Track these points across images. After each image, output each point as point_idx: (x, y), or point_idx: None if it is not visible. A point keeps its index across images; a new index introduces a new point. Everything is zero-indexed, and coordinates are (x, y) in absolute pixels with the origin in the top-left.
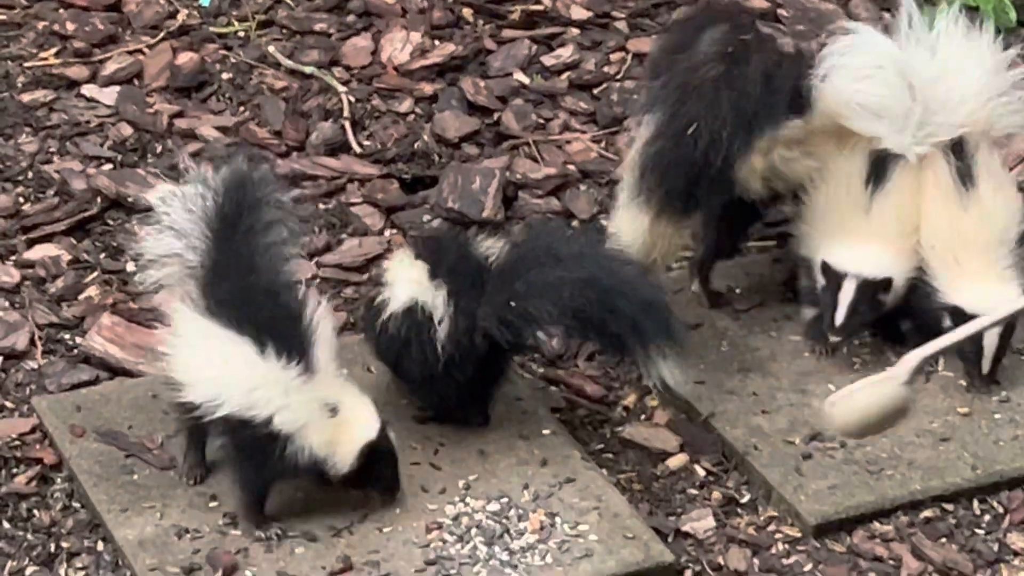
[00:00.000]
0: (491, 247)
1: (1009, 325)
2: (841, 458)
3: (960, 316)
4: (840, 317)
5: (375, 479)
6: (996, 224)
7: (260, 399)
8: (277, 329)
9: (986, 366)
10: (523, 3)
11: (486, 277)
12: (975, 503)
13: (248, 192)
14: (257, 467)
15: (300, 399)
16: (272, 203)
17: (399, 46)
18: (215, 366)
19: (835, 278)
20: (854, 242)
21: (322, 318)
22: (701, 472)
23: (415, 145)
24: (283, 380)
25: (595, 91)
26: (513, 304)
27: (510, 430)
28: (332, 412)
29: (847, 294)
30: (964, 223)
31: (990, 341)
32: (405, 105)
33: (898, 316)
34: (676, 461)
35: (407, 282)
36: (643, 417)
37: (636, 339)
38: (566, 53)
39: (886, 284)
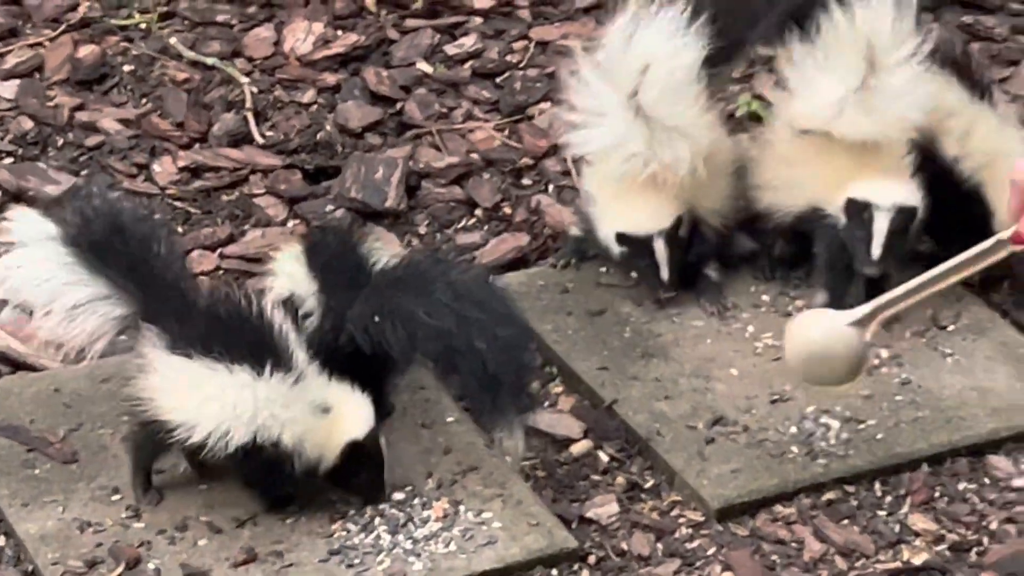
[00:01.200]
0: (380, 250)
1: (904, 223)
2: (744, 442)
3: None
4: (877, 249)
5: (357, 480)
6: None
7: (267, 421)
8: (254, 344)
9: (876, 251)
10: None
11: (364, 280)
12: (877, 485)
13: (117, 218)
14: (272, 481)
15: (299, 408)
16: (143, 219)
17: (301, 37)
18: (214, 400)
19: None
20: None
21: (280, 315)
22: (605, 458)
23: (318, 136)
24: (281, 394)
25: (498, 80)
26: (376, 320)
27: (414, 419)
28: (324, 411)
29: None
30: None
31: (880, 226)
32: (308, 96)
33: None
34: (579, 447)
35: (286, 275)
36: (547, 404)
37: (489, 403)
38: (469, 42)
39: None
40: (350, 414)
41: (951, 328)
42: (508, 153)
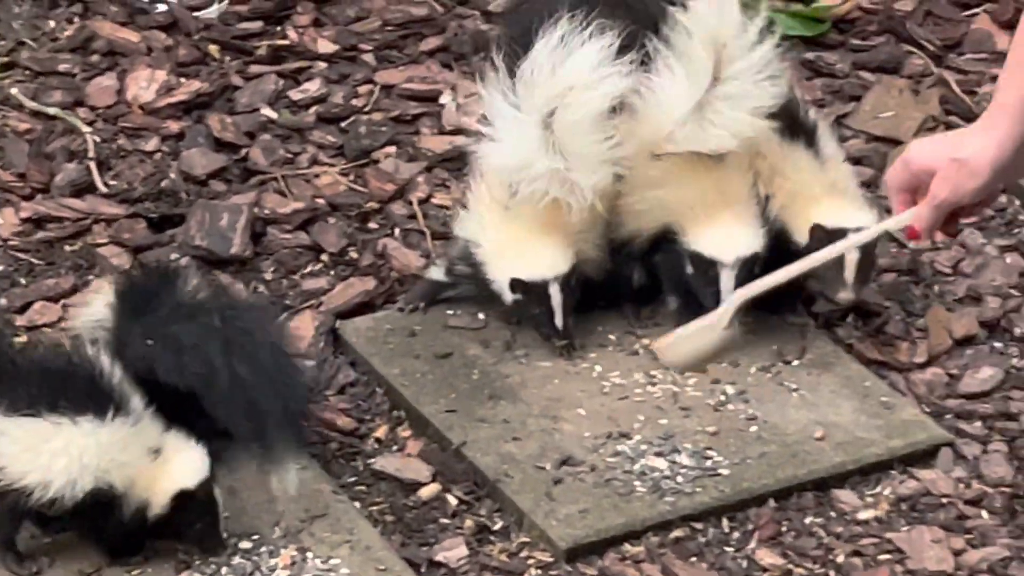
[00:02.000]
0: (196, 289)
1: (747, 272)
2: (591, 482)
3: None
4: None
5: (191, 531)
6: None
7: (110, 468)
8: (90, 393)
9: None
10: (269, 38)
11: (163, 313)
12: (724, 521)
13: None
14: (109, 531)
15: (132, 452)
16: None
17: (144, 85)
18: (62, 454)
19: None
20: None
21: (110, 361)
22: (453, 501)
23: (162, 184)
24: (120, 440)
25: (343, 124)
26: (148, 344)
27: (259, 466)
28: (155, 456)
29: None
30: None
31: (727, 281)
32: (151, 144)
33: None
34: (428, 491)
35: (92, 305)
36: (395, 448)
37: (257, 436)
38: (313, 87)
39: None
40: (182, 462)
41: (796, 363)
42: (354, 198)
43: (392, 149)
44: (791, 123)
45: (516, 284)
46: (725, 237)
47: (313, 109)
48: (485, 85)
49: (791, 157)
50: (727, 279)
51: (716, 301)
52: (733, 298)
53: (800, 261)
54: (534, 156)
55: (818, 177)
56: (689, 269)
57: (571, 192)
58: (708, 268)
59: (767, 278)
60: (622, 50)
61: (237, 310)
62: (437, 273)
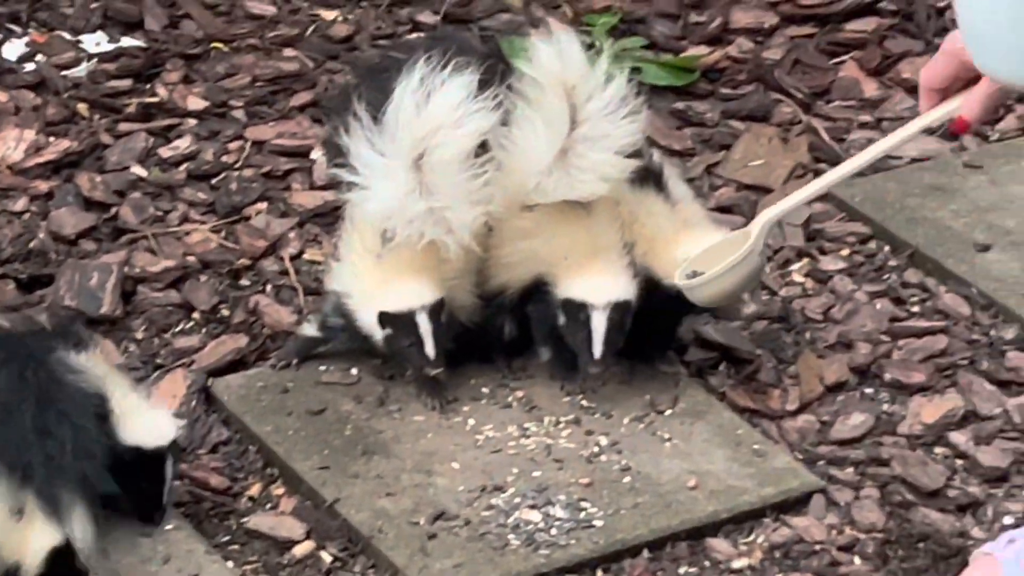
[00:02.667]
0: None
1: (619, 318)
2: (466, 536)
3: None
4: (598, 348)
5: None
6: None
7: None
8: None
9: (597, 349)
10: (139, 96)
11: None
12: (599, 573)
13: None
14: None
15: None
16: None
17: (12, 144)
18: None
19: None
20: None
21: None
22: (327, 558)
23: (31, 244)
24: None
25: (214, 181)
26: None
27: (131, 527)
28: (19, 515)
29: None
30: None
31: (598, 323)
32: (20, 204)
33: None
34: (302, 549)
35: None
36: (269, 506)
37: (51, 488)
38: (183, 144)
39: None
40: (47, 520)
41: (669, 412)
42: (225, 255)
43: (263, 205)
44: (641, 169)
45: (384, 317)
46: (597, 282)
47: (183, 166)
48: (350, 135)
49: (644, 202)
50: (599, 321)
51: (588, 347)
52: (761, 220)
53: (827, 174)
54: (407, 199)
55: (671, 219)
56: (561, 319)
57: (447, 232)
58: (579, 312)
59: (793, 196)
60: (483, 85)
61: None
62: (310, 329)
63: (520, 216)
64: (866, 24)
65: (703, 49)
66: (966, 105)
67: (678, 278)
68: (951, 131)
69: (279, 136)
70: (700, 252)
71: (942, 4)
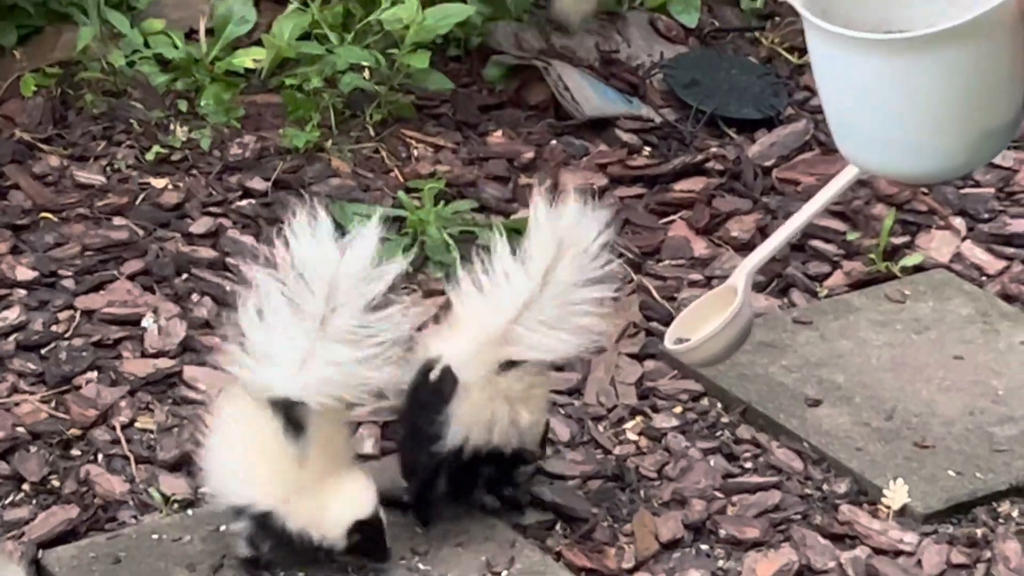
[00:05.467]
0: None
1: None
2: None
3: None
4: None
5: None
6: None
7: None
8: None
9: None
10: None
11: None
12: None
13: None
14: None
15: None
16: None
17: None
18: None
19: None
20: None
21: None
22: None
23: None
24: None
25: (43, 351)
26: None
27: None
28: None
29: None
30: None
31: None
32: None
33: None
34: None
35: None
36: None
37: None
38: (12, 315)
39: None
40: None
41: (505, 574)
42: (55, 425)
43: (94, 374)
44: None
45: (359, 526)
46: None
47: (12, 337)
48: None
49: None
50: None
51: None
52: (742, 273)
53: (794, 218)
54: (319, 363)
55: None
56: None
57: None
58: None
59: (769, 241)
60: None
61: None
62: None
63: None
64: (694, 184)
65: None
66: None
67: (668, 345)
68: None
69: (109, 304)
70: (683, 314)
71: (768, 163)
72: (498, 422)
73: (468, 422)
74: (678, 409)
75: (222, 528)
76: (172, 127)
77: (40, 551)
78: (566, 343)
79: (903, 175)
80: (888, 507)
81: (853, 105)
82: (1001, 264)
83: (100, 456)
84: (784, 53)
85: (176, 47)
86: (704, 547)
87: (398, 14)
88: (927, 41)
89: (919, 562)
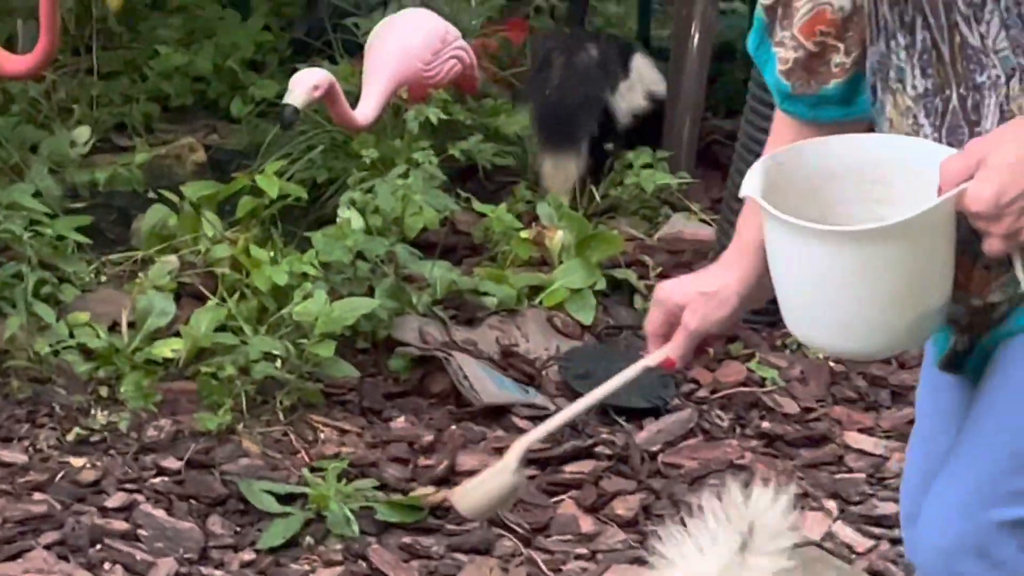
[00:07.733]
0: None
1: None
2: None
3: None
4: None
5: None
6: None
7: None
8: None
9: None
10: None
11: None
12: None
13: None
14: None
15: None
16: None
17: None
18: None
19: None
20: None
21: None
22: None
23: None
24: None
25: None
26: None
27: None
28: None
29: None
30: None
31: None
32: None
33: None
34: None
35: None
36: None
37: None
38: None
39: None
40: None
41: None
42: None
43: None
44: None
45: None
46: None
47: None
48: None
49: None
50: None
51: None
52: (518, 444)
53: (580, 400)
54: None
55: None
56: None
57: None
58: None
59: (549, 421)
60: None
61: None
62: None
63: None
64: (583, 466)
65: (431, 489)
66: (671, 347)
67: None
68: (664, 366)
69: (25, 572)
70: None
71: (654, 448)
72: None
73: None
74: None
75: None
76: (93, 411)
77: None
78: None
79: (853, 353)
80: None
81: (811, 290)
82: (869, 543)
83: None
84: None
85: (99, 337)
86: None
87: (309, 307)
88: (894, 229)
89: None
